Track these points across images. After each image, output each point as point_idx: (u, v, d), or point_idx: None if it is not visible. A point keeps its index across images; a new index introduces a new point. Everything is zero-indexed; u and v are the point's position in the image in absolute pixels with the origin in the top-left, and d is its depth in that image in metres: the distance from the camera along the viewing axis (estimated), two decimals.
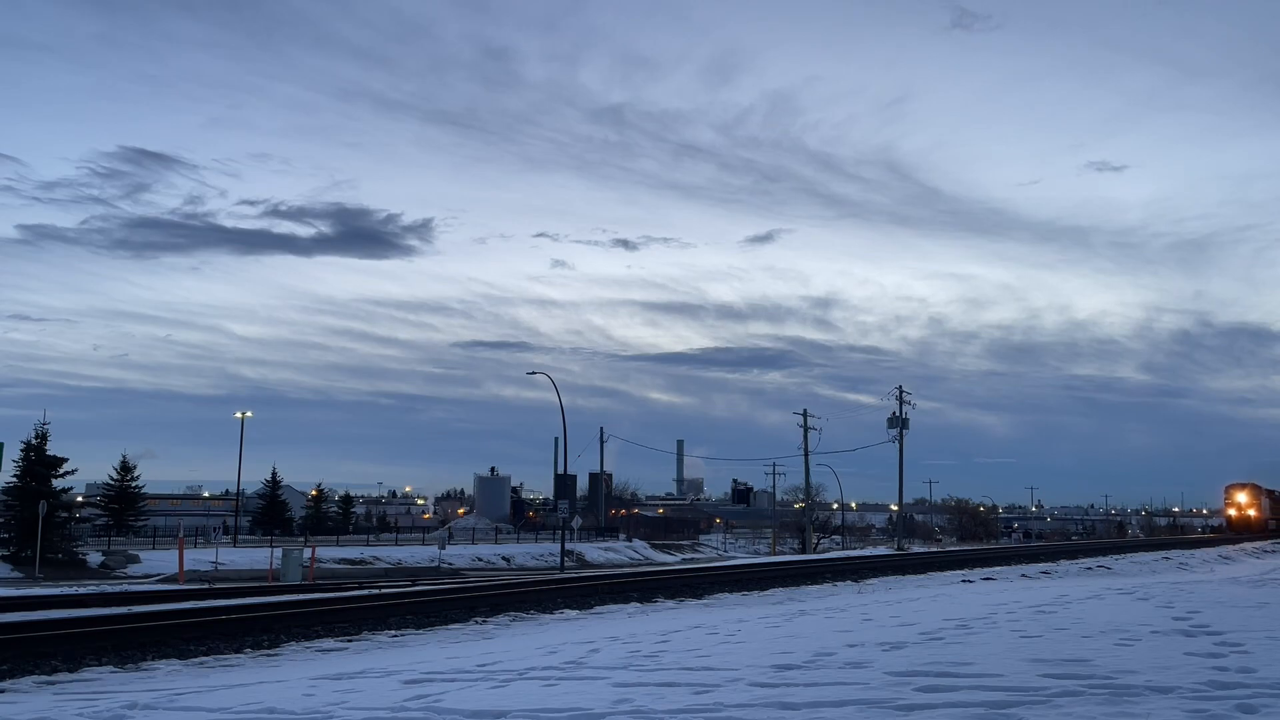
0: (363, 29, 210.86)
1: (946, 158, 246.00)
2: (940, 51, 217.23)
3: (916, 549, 59.18)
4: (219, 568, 37.29)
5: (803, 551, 63.27)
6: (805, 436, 65.55)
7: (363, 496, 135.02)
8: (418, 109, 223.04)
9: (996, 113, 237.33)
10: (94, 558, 40.49)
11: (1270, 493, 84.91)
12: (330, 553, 47.26)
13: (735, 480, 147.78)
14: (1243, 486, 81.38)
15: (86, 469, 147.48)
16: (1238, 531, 77.51)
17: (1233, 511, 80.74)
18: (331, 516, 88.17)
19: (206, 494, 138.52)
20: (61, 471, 40.64)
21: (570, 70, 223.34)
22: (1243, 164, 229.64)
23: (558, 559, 47.31)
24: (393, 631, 14.83)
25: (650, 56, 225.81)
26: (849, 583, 22.91)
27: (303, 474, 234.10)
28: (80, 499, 71.50)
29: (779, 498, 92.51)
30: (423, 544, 58.96)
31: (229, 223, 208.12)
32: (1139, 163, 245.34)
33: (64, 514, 42.03)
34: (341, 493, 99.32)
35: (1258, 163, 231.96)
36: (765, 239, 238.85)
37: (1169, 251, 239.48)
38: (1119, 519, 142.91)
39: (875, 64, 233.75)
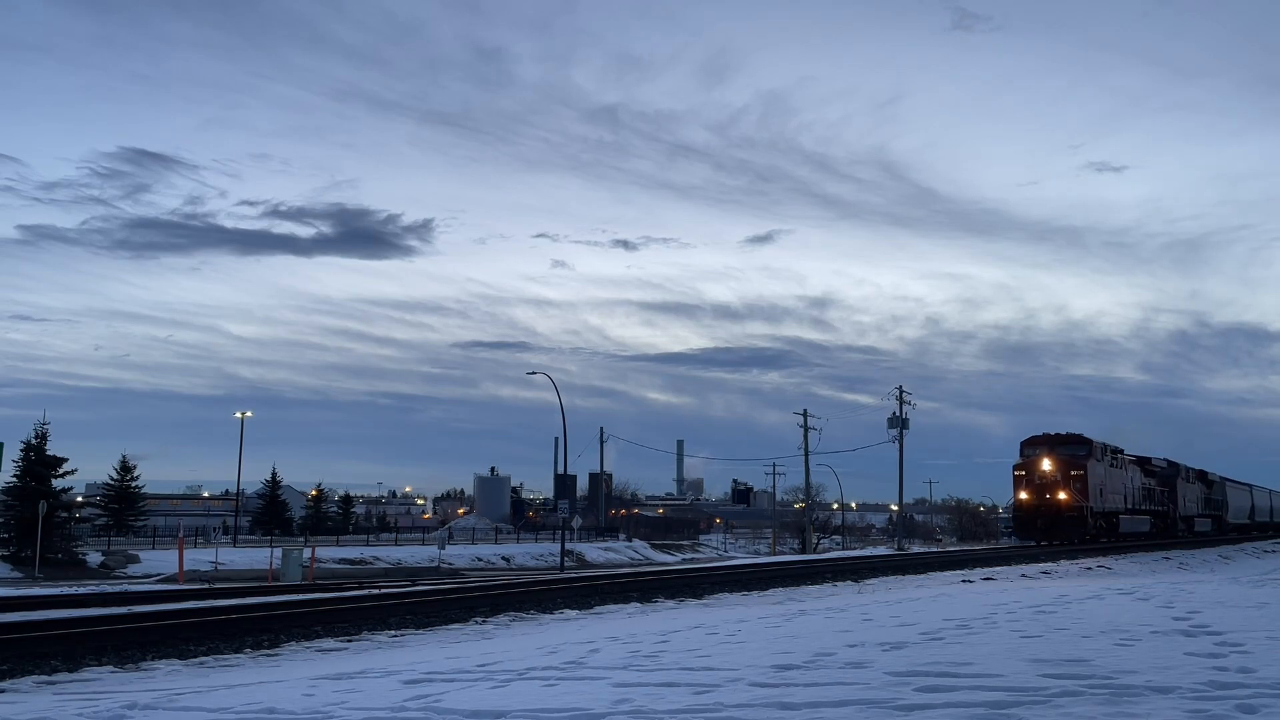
0: (355, 29, 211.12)
1: (941, 158, 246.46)
2: (934, 52, 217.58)
3: (916, 549, 59.17)
4: (219, 568, 37.28)
5: (803, 551, 63.27)
6: (805, 436, 65.62)
7: (362, 496, 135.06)
8: (413, 109, 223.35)
9: (990, 113, 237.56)
10: (94, 558, 40.49)
11: (1123, 455, 46.09)
12: (330, 553, 47.26)
13: (735, 480, 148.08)
14: (1050, 445, 41.29)
15: (86, 469, 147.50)
16: (1028, 531, 41.04)
17: (1024, 494, 40.99)
18: (331, 516, 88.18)
19: (206, 494, 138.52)
20: (61, 471, 40.66)
21: (563, 70, 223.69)
22: (1237, 164, 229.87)
23: (558, 559, 47.29)
24: (393, 631, 14.81)
25: (643, 56, 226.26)
26: (849, 583, 22.91)
27: (302, 474, 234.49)
28: (80, 499, 71.55)
29: (779, 498, 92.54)
30: (423, 544, 58.98)
31: (229, 223, 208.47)
32: (1133, 163, 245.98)
33: (64, 514, 42.07)
34: (341, 493, 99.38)
35: (1252, 162, 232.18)
36: (763, 239, 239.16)
37: (1164, 251, 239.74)
38: None
39: (868, 64, 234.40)
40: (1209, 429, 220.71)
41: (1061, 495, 39.92)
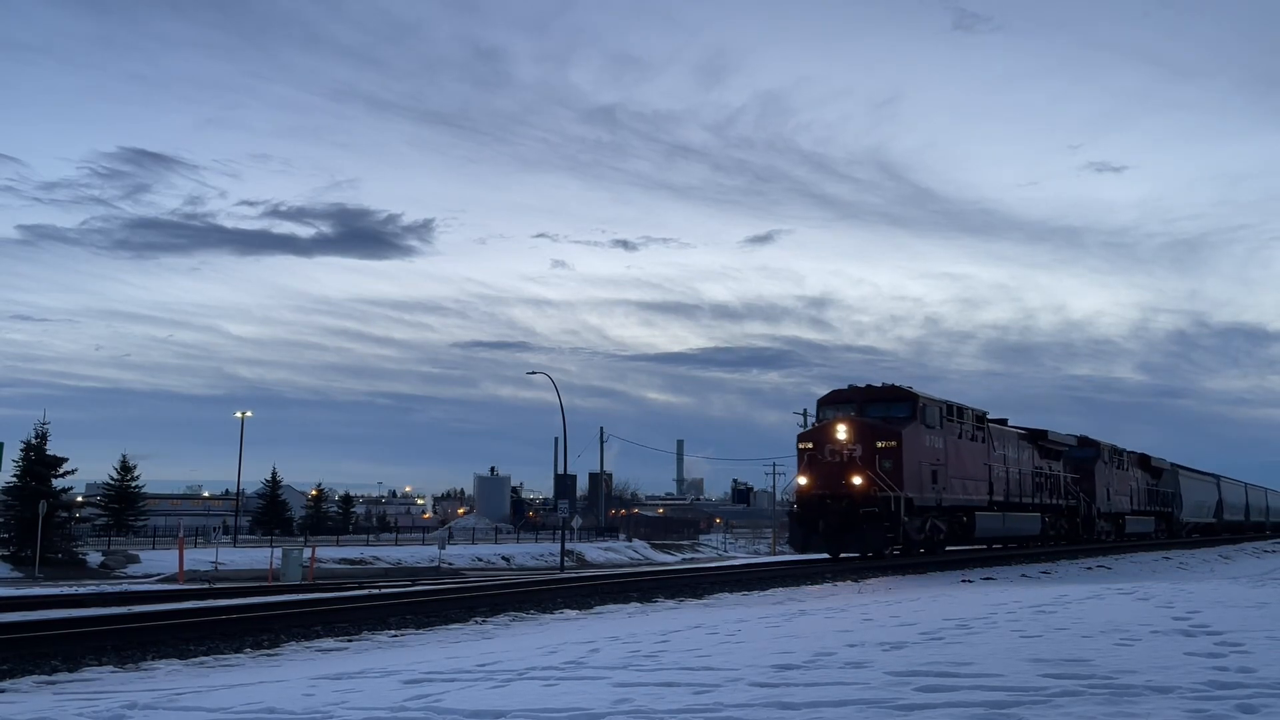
0: (353, 30, 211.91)
1: (938, 158, 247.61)
2: (933, 51, 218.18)
3: None
4: (219, 568, 37.30)
5: None
6: None
7: (362, 496, 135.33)
8: (411, 110, 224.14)
9: (989, 113, 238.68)
10: (94, 558, 40.53)
11: (1000, 425, 32.38)
12: (330, 553, 47.28)
13: (735, 480, 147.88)
14: (856, 405, 26.97)
15: (86, 469, 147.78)
16: (806, 535, 26.63)
17: (805, 479, 26.42)
18: (331, 516, 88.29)
19: (206, 494, 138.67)
20: (61, 471, 40.72)
21: (561, 71, 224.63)
22: (1235, 164, 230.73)
23: (558, 559, 47.31)
24: (393, 631, 14.81)
25: (641, 57, 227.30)
26: (849, 583, 22.88)
27: (302, 474, 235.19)
28: (80, 499, 71.65)
29: (779, 498, 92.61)
30: (423, 544, 59.04)
31: (229, 223, 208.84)
32: (1132, 163, 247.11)
33: (64, 514, 42.15)
34: (341, 493, 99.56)
35: (1249, 162, 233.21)
36: (762, 239, 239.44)
37: (1162, 251, 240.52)
38: None
39: (867, 64, 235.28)
40: (1208, 429, 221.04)
41: (857, 480, 25.54)
